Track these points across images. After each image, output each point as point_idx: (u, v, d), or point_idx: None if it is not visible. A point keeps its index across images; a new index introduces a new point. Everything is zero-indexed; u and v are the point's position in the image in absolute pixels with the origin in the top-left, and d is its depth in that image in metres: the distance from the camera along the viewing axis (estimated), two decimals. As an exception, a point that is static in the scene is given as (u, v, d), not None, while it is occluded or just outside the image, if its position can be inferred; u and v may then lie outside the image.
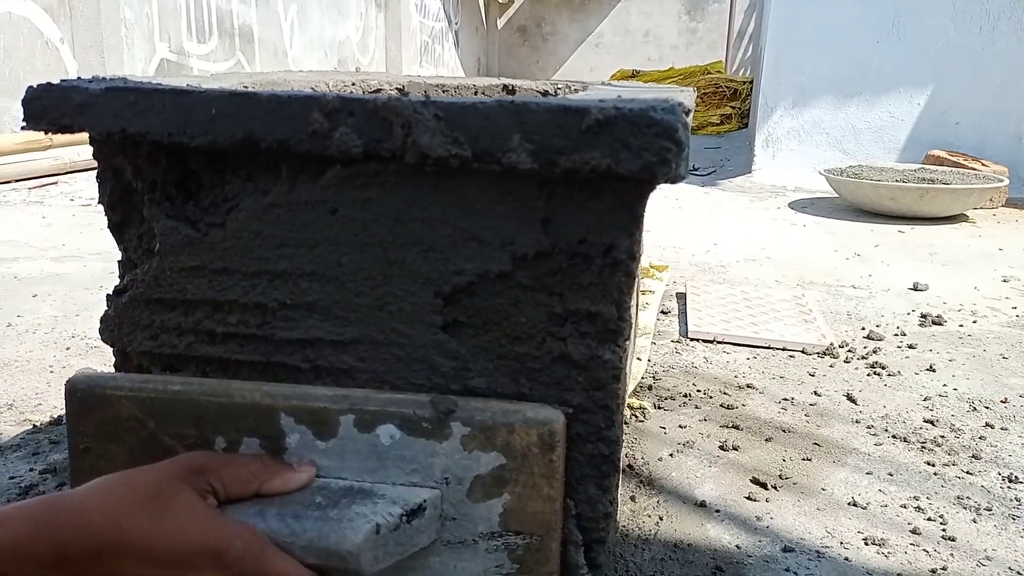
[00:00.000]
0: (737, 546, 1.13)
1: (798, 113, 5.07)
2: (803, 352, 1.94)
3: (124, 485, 0.67)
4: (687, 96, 0.94)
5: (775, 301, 2.34)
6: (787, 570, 1.08)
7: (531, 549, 0.78)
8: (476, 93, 1.26)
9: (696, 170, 5.47)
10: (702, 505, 1.23)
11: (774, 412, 1.59)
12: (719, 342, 2.01)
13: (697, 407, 1.60)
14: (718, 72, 8.67)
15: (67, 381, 0.83)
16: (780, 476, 1.32)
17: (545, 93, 1.22)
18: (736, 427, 1.51)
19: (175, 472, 0.70)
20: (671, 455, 1.39)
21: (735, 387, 1.72)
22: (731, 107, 7.64)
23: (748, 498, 1.26)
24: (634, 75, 8.86)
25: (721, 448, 1.42)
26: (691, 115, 0.92)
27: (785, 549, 1.12)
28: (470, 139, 0.72)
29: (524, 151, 0.71)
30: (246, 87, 0.91)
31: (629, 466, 1.34)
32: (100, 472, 0.76)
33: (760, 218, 3.93)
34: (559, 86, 1.21)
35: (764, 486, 1.29)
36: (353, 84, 1.21)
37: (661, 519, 1.19)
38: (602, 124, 0.70)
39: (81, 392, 0.82)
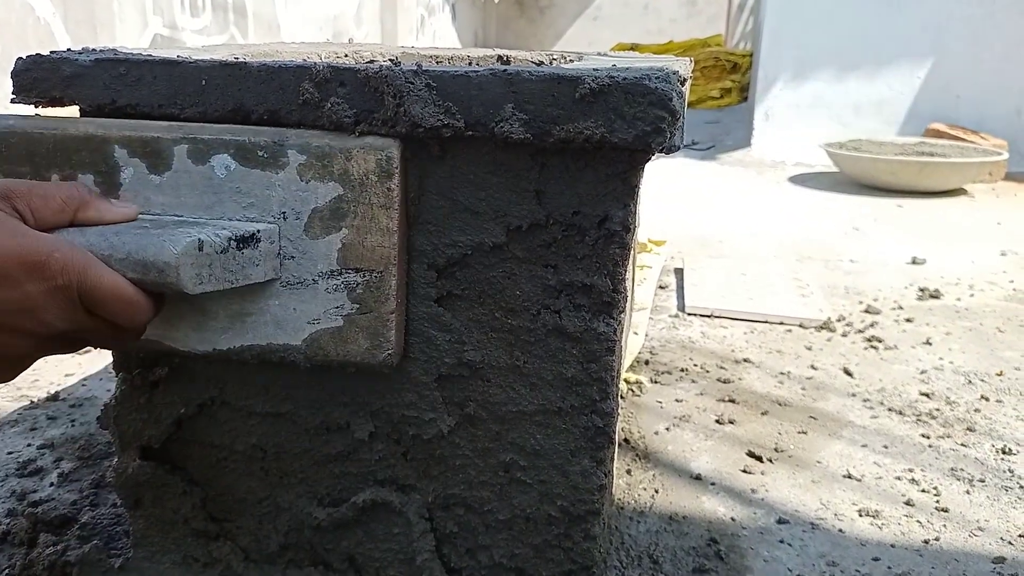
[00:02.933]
0: (732, 518, 1.14)
1: (798, 86, 5.06)
2: (800, 326, 1.95)
3: None
4: (682, 66, 0.93)
5: (773, 275, 2.35)
6: (781, 541, 1.09)
7: (370, 287, 0.76)
8: (470, 64, 1.26)
9: (695, 144, 5.46)
10: (698, 478, 1.24)
11: (770, 386, 1.60)
12: (716, 316, 2.02)
13: (694, 381, 1.61)
14: (718, 45, 8.62)
15: None
16: (775, 449, 1.33)
17: (540, 64, 1.22)
18: (732, 401, 1.51)
19: None
20: (667, 429, 1.40)
21: (732, 361, 1.72)
22: (731, 80, 7.61)
23: (743, 471, 1.27)
24: (633, 48, 8.81)
25: (717, 422, 1.43)
26: (687, 84, 0.92)
27: (780, 521, 1.13)
28: (462, 109, 0.72)
29: (517, 120, 0.71)
30: (237, 58, 0.91)
31: (625, 440, 1.35)
32: None
33: (759, 192, 3.93)
34: (554, 57, 1.21)
35: (759, 459, 1.30)
36: (346, 55, 1.21)
37: (657, 492, 1.20)
38: (596, 93, 0.70)
39: None
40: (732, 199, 3.75)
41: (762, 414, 1.47)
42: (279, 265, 0.76)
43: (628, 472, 1.25)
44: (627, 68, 0.76)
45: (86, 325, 0.66)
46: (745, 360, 1.73)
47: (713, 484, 1.23)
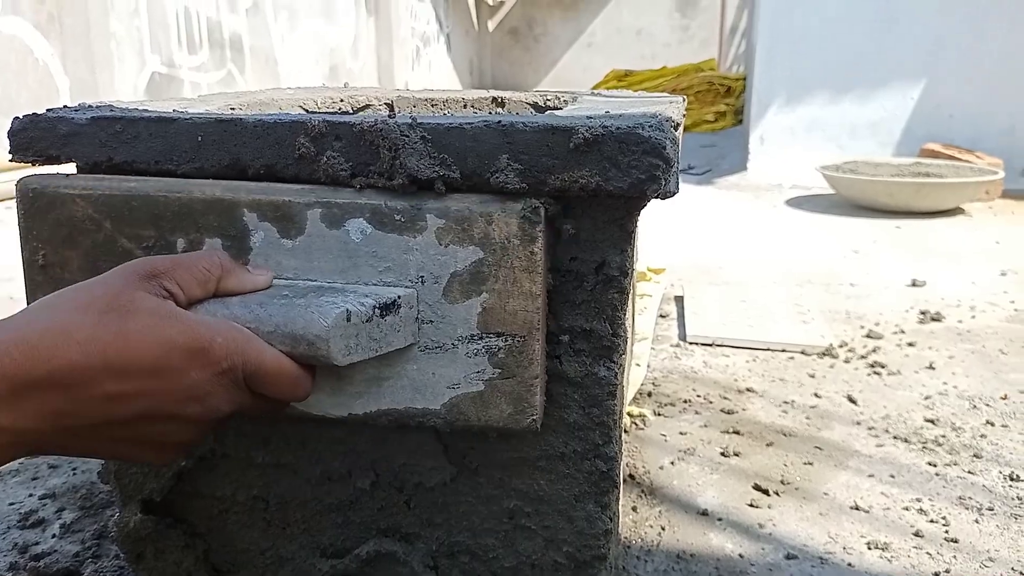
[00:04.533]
0: (740, 555, 1.13)
1: (792, 109, 5.07)
2: (803, 353, 1.94)
3: (71, 303, 0.60)
4: (675, 109, 0.93)
5: (773, 301, 2.34)
6: (790, 578, 1.08)
7: (513, 351, 0.74)
8: (466, 107, 1.26)
9: (691, 169, 5.47)
10: (704, 514, 1.23)
11: (775, 416, 1.59)
12: (718, 345, 2.01)
13: (697, 412, 1.60)
14: (711, 70, 8.66)
15: (17, 181, 0.78)
16: (782, 481, 1.32)
17: (535, 105, 1.22)
18: (737, 432, 1.51)
19: (125, 280, 0.62)
20: (672, 463, 1.39)
21: (735, 391, 1.71)
22: (725, 104, 7.64)
23: (750, 505, 1.26)
24: (627, 75, 8.84)
25: (722, 454, 1.42)
26: (680, 128, 0.92)
27: (788, 556, 1.12)
28: (458, 160, 0.72)
29: (512, 171, 0.71)
30: (233, 109, 0.91)
31: (630, 475, 1.34)
32: (58, 283, 0.73)
33: (756, 216, 3.94)
34: (548, 97, 1.21)
35: (766, 492, 1.29)
36: (342, 100, 1.21)
37: (663, 529, 1.19)
38: (590, 143, 0.70)
39: (34, 192, 0.77)
40: (730, 224, 3.75)
41: (767, 445, 1.46)
42: (417, 330, 0.75)
43: (634, 509, 1.24)
44: (620, 115, 0.76)
45: (248, 404, 0.65)
46: (748, 389, 1.72)
47: (720, 519, 1.22)
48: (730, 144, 6.26)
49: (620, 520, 1.05)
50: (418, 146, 0.72)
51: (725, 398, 1.67)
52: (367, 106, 1.25)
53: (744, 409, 1.62)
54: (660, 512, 1.24)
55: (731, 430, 1.51)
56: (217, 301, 0.67)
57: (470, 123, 0.72)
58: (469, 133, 0.71)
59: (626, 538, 1.16)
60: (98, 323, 0.58)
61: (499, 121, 0.72)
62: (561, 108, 1.07)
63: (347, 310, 0.66)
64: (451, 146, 0.72)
